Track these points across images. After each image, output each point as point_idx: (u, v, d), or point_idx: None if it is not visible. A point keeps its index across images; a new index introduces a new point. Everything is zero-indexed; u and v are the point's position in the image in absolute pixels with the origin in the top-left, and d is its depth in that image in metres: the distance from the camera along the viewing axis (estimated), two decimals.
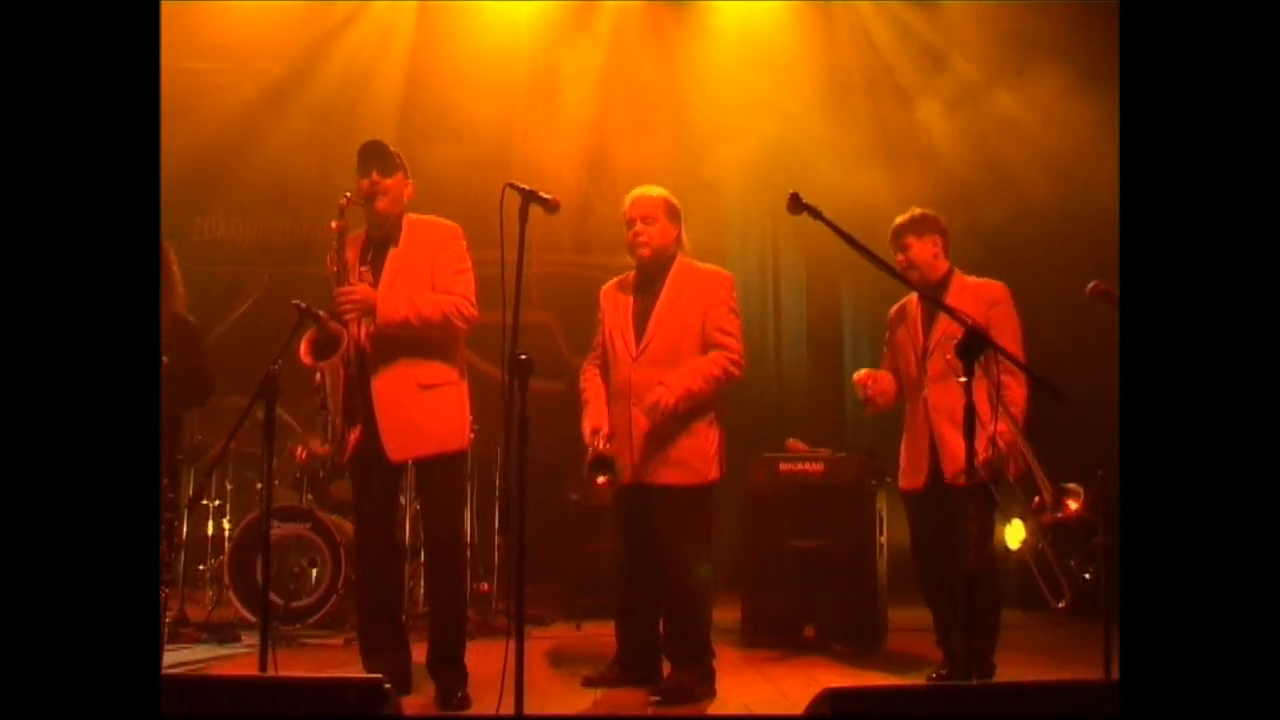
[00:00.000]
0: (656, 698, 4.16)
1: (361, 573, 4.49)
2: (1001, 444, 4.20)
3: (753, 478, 5.63)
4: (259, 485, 6.07)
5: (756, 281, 8.25)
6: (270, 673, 3.46)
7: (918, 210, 4.62)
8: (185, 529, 6.03)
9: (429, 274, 4.23)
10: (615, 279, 4.61)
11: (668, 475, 4.25)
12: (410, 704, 4.16)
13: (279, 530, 5.71)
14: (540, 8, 7.48)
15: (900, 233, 4.57)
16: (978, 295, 4.49)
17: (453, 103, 7.30)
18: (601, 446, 4.25)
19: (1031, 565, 4.17)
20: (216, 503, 6.22)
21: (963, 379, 3.22)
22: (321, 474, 5.98)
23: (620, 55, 7.64)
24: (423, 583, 5.75)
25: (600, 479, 4.20)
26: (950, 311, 3.30)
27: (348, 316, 4.13)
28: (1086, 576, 3.97)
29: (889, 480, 5.68)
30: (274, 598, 5.63)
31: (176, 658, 5.07)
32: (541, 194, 3.63)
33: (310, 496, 5.91)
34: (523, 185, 3.61)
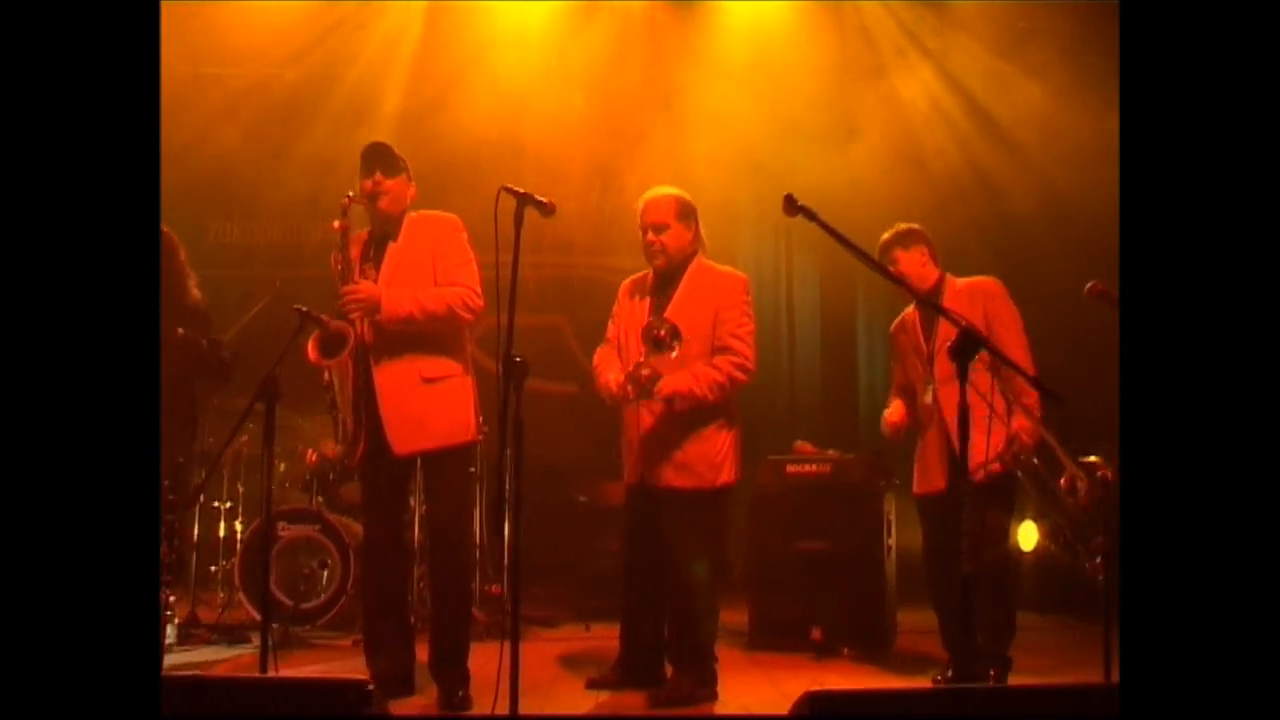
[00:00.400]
0: (656, 701, 4.15)
1: (368, 572, 4.52)
2: (1026, 438, 4.25)
3: (759, 479, 5.61)
4: (270, 487, 6.11)
5: (769, 282, 8.24)
6: (259, 674, 3.48)
7: (902, 225, 4.68)
8: (197, 530, 6.09)
9: (430, 267, 4.25)
10: (634, 277, 4.59)
11: (671, 478, 4.23)
12: (413, 705, 4.19)
13: (289, 532, 5.75)
14: (550, 9, 7.49)
15: (887, 248, 4.61)
16: (972, 295, 4.53)
17: (462, 105, 7.30)
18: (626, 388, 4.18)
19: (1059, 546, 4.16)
20: (228, 505, 6.26)
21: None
22: (331, 476, 6.01)
23: (630, 56, 7.64)
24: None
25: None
26: (945, 313, 3.28)
27: (353, 315, 4.16)
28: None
29: (897, 482, 5.67)
30: (283, 599, 5.68)
31: (184, 659, 5.10)
32: (537, 197, 3.63)
33: (320, 499, 5.94)
34: (518, 188, 3.61)
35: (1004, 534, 4.43)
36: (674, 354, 4.06)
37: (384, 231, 4.33)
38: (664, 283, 4.39)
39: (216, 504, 6.19)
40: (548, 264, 7.95)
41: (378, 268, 4.28)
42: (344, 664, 5.01)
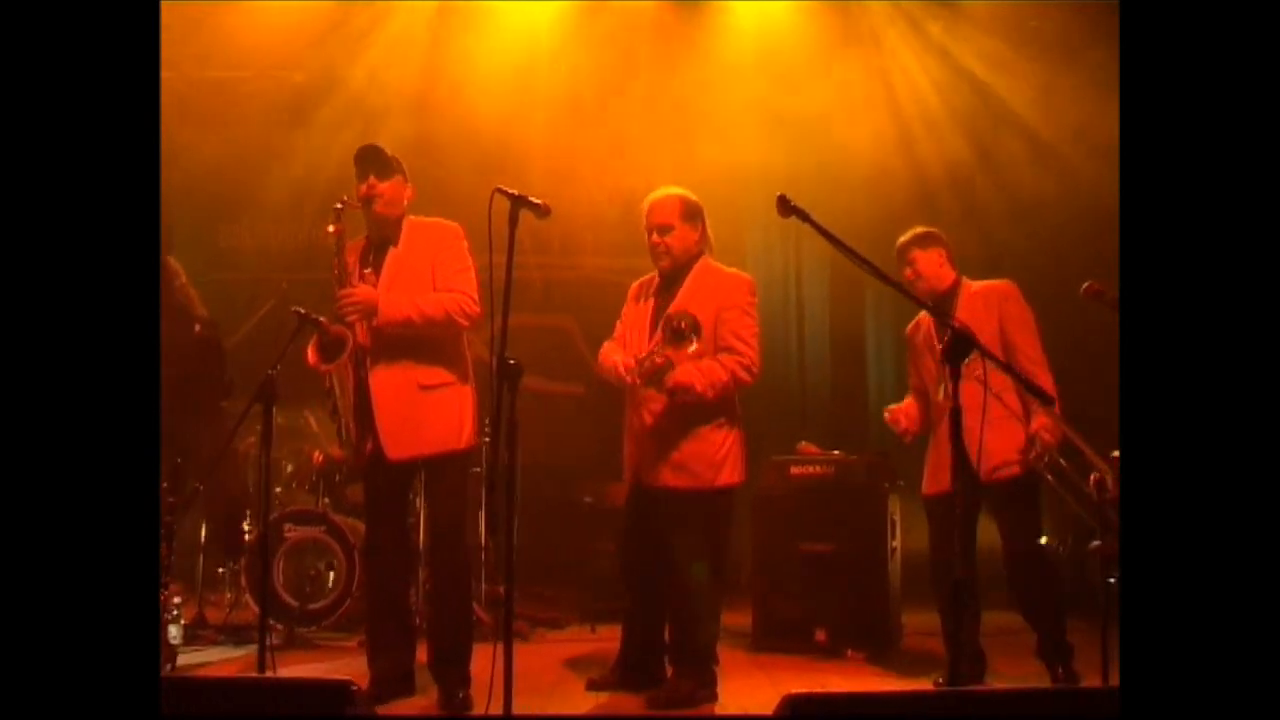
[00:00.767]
0: (655, 702, 4.15)
1: (370, 574, 4.54)
2: (1047, 436, 4.24)
3: (763, 481, 5.61)
4: (277, 489, 6.16)
5: (779, 283, 8.22)
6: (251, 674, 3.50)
7: (920, 228, 4.72)
8: (204, 531, 6.13)
9: (430, 274, 4.27)
10: (642, 279, 4.59)
11: (668, 478, 4.23)
12: (413, 705, 4.21)
13: (294, 534, 5.77)
14: (560, 11, 7.49)
15: (906, 249, 4.66)
16: (988, 297, 4.55)
17: (470, 108, 7.31)
18: (634, 369, 4.18)
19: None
20: (231, 508, 6.29)
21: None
22: (338, 478, 6.04)
23: (638, 57, 7.64)
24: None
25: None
26: (936, 312, 3.27)
27: (350, 318, 4.18)
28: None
29: (901, 483, 5.66)
30: (289, 600, 5.71)
31: (188, 660, 5.13)
32: (531, 198, 3.64)
33: (327, 500, 5.96)
34: (511, 190, 3.62)
35: (1035, 532, 4.42)
36: (692, 348, 4.04)
37: (383, 236, 4.34)
38: (669, 283, 4.39)
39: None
40: (554, 265, 7.96)
41: (378, 272, 4.30)
42: (348, 664, 5.02)
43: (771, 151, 7.59)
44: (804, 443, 5.80)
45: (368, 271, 4.33)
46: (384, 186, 4.29)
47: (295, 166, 7.51)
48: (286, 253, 7.90)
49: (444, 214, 4.41)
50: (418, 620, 4.88)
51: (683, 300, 4.28)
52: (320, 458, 6.01)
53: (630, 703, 4.29)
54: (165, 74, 7.40)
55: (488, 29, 7.52)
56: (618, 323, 4.57)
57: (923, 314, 4.73)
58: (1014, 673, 4.73)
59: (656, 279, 4.46)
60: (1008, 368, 3.36)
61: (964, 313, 4.45)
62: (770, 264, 8.22)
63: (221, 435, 5.17)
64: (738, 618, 5.87)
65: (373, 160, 4.31)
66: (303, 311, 4.06)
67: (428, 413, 4.23)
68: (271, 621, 5.59)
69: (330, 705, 2.35)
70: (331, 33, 7.59)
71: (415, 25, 7.61)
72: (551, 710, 4.21)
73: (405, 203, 4.38)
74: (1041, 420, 4.25)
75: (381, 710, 4.10)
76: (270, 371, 3.87)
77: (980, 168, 7.37)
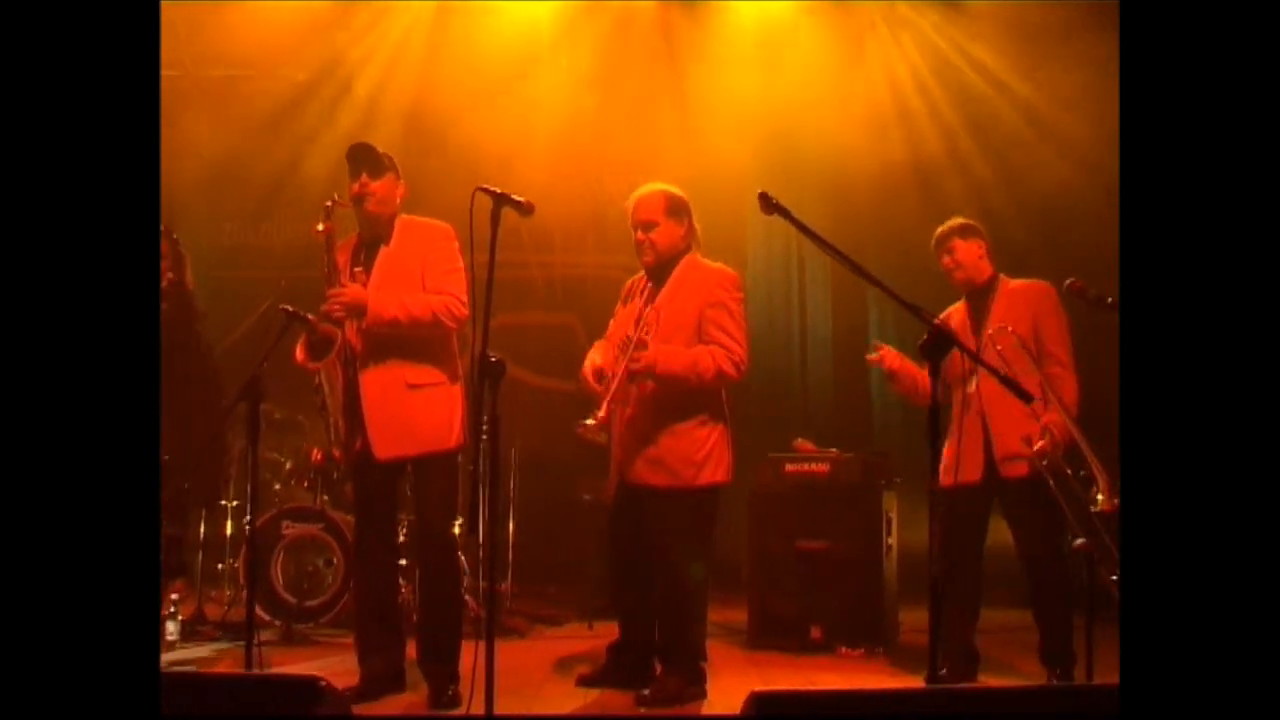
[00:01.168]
0: (643, 701, 4.15)
1: (359, 572, 4.54)
2: (1057, 433, 4.23)
3: (758, 478, 5.61)
4: (277, 486, 6.19)
5: (781, 280, 8.22)
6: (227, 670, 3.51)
7: (960, 219, 4.75)
8: (203, 529, 6.16)
9: (420, 274, 4.27)
10: (633, 277, 4.58)
11: (649, 476, 4.22)
12: (402, 702, 4.22)
13: (292, 530, 5.80)
14: (561, 10, 7.51)
15: (946, 237, 4.68)
16: (1026, 295, 4.57)
17: (472, 106, 7.34)
18: (593, 382, 4.22)
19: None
20: (235, 503, 6.32)
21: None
22: (336, 475, 6.05)
23: (639, 54, 7.66)
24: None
25: (585, 422, 4.07)
26: (918, 311, 3.25)
27: (338, 317, 4.19)
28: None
29: (898, 480, 5.65)
30: (287, 597, 5.74)
31: (184, 656, 5.17)
32: (514, 197, 3.63)
33: (325, 497, 5.99)
34: (494, 188, 3.61)
35: (1050, 535, 4.38)
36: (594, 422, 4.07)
37: (374, 234, 4.34)
38: (655, 281, 4.38)
39: (223, 502, 6.25)
40: (557, 263, 7.98)
41: (368, 271, 4.30)
42: (343, 660, 5.03)
43: (773, 148, 7.61)
44: (800, 440, 5.79)
45: (358, 270, 4.34)
46: (376, 185, 4.29)
47: (298, 164, 7.55)
48: (289, 250, 7.92)
49: (446, 213, 4.40)
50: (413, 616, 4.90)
51: (665, 297, 4.27)
52: (319, 455, 6.03)
53: (619, 700, 4.29)
54: (170, 73, 7.53)
55: (489, 27, 7.57)
56: (611, 322, 4.57)
57: (954, 306, 4.74)
58: (1015, 672, 4.71)
59: (643, 277, 4.45)
60: (989, 367, 3.34)
61: (999, 309, 4.50)
62: (772, 261, 8.22)
63: (208, 433, 5.19)
64: (734, 615, 5.88)
65: (365, 158, 4.32)
66: (290, 309, 4.07)
67: (417, 412, 4.23)
68: (269, 618, 5.67)
69: (299, 701, 2.36)
70: (334, 32, 7.66)
71: (417, 24, 7.66)
72: (539, 706, 4.22)
73: (397, 201, 4.38)
74: (1053, 416, 4.24)
75: (370, 707, 4.12)
76: (257, 370, 3.88)
77: (983, 163, 7.33)
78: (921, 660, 4.98)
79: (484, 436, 6.18)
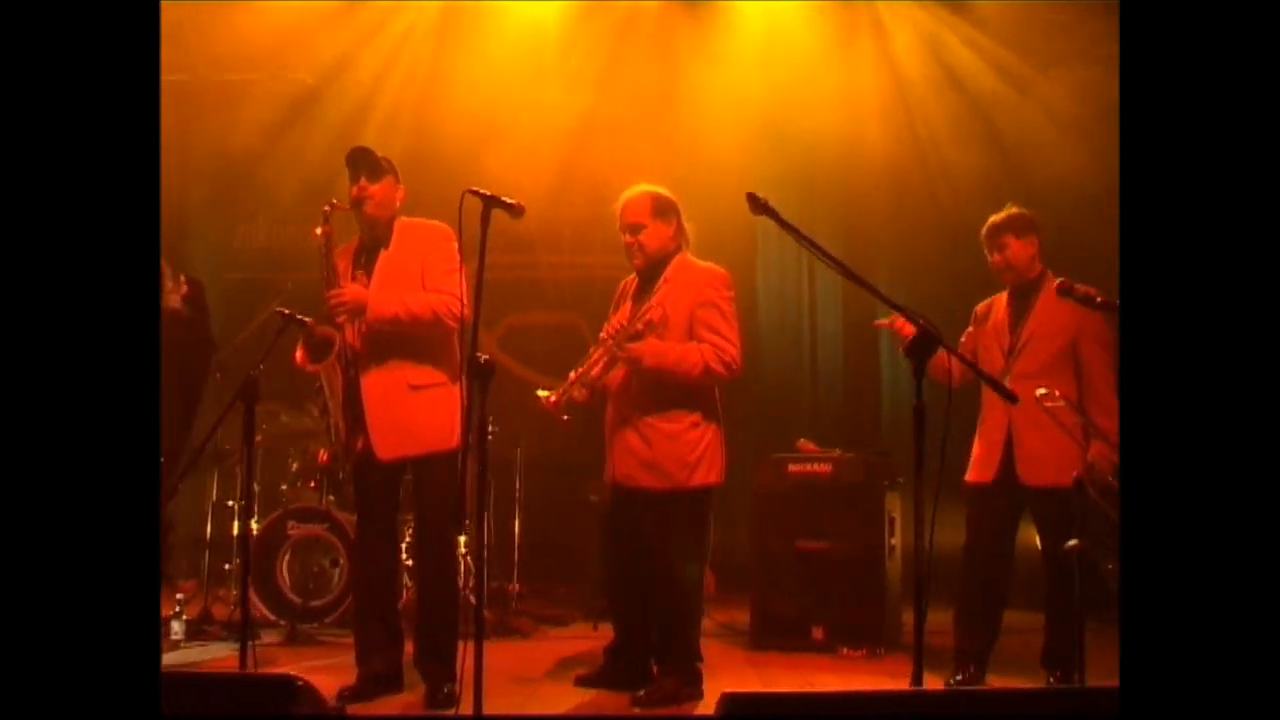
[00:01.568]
0: (640, 702, 4.16)
1: (359, 572, 4.58)
2: (1105, 467, 4.18)
3: (761, 479, 5.61)
4: (284, 486, 6.23)
5: (792, 279, 8.21)
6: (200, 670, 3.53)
7: (1014, 209, 4.57)
8: (210, 528, 6.21)
9: (419, 274, 4.29)
10: (626, 279, 4.59)
11: (641, 478, 4.22)
12: (400, 701, 4.24)
13: (298, 531, 5.83)
14: (562, 9, 7.53)
15: (999, 231, 4.53)
16: (1073, 306, 4.42)
17: (480, 107, 7.36)
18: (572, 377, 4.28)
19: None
20: (242, 503, 6.36)
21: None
22: (341, 476, 6.07)
23: (644, 55, 7.66)
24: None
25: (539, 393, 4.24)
26: (902, 310, 3.24)
27: (339, 319, 4.23)
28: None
29: (900, 480, 5.63)
30: (292, 596, 5.78)
31: (185, 657, 5.21)
32: (503, 198, 3.63)
33: (331, 498, 6.02)
34: (484, 191, 3.62)
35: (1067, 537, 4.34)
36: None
37: (374, 238, 4.38)
38: (646, 283, 4.39)
39: (230, 502, 6.29)
40: (564, 264, 7.99)
41: (369, 274, 4.34)
42: (345, 660, 5.06)
43: (780, 147, 7.61)
44: (803, 440, 5.78)
45: (359, 273, 4.38)
46: (375, 188, 4.33)
47: (306, 167, 7.57)
48: (297, 252, 7.96)
49: (451, 216, 4.41)
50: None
51: (657, 300, 4.27)
52: (325, 456, 6.06)
53: (615, 701, 4.30)
54: (180, 76, 7.60)
55: (496, 28, 7.58)
56: (605, 325, 4.58)
57: (995, 301, 4.63)
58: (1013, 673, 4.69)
59: (635, 279, 4.46)
60: (978, 371, 3.33)
61: (1043, 308, 4.39)
62: (783, 262, 8.21)
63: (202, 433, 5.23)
64: (738, 615, 5.87)
65: (364, 162, 4.35)
66: (286, 312, 4.10)
67: (417, 413, 4.26)
68: (274, 618, 5.71)
69: (276, 700, 2.38)
70: (344, 35, 7.68)
71: (422, 26, 7.68)
72: (535, 706, 4.24)
73: (396, 204, 4.42)
74: (1099, 449, 4.19)
75: (366, 707, 4.15)
76: (253, 371, 3.91)
77: (988, 162, 7.30)
78: (930, 662, 5.00)
79: (489, 437, 6.26)
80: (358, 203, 4.32)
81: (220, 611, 6.00)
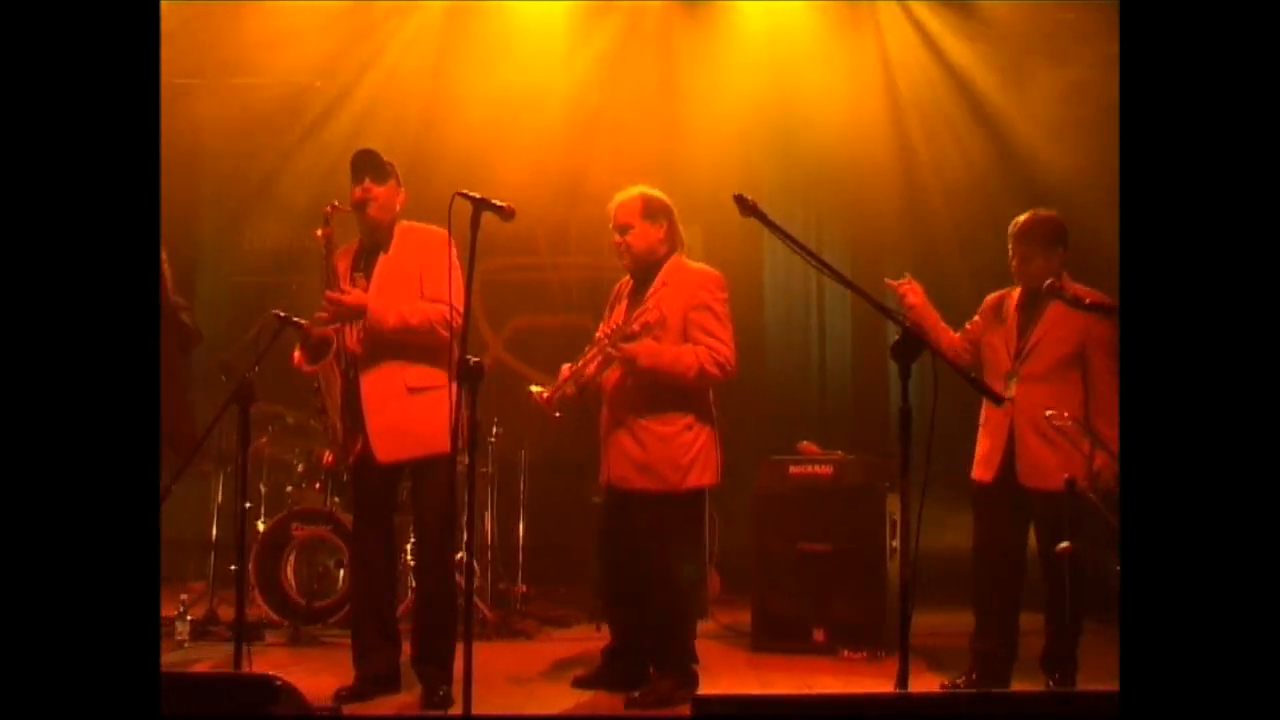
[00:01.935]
0: (634, 703, 4.17)
1: (357, 573, 4.60)
2: (1109, 476, 4.16)
3: (762, 480, 5.61)
4: (289, 488, 6.26)
5: (800, 279, 8.18)
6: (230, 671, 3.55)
7: (1043, 214, 4.48)
8: (215, 530, 6.25)
9: (418, 279, 4.32)
10: (620, 281, 4.61)
11: (635, 480, 4.23)
12: (395, 703, 4.27)
13: (302, 532, 5.86)
14: (568, 9, 7.53)
15: (1025, 240, 4.44)
16: (1082, 314, 4.34)
17: (484, 108, 7.38)
18: (562, 374, 4.32)
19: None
20: (248, 505, 6.39)
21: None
22: (346, 477, 6.11)
23: (654, 58, 7.67)
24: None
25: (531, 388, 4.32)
26: (886, 310, 3.25)
27: (338, 322, 4.26)
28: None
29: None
30: (297, 598, 5.80)
31: (185, 657, 5.25)
32: (494, 201, 3.65)
33: (336, 499, 6.04)
34: (473, 194, 3.63)
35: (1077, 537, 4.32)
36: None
37: (374, 241, 4.41)
38: (639, 286, 4.40)
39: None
40: (572, 265, 7.99)
41: (368, 277, 4.37)
42: (345, 661, 5.09)
43: (787, 149, 7.62)
44: (804, 442, 5.78)
45: (359, 275, 4.41)
46: (379, 191, 4.36)
47: (315, 170, 7.61)
48: (305, 255, 8.00)
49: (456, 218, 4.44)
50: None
51: (652, 302, 4.28)
52: (330, 458, 6.09)
53: (611, 702, 4.31)
54: (190, 81, 7.66)
55: (502, 30, 7.59)
56: (600, 326, 4.59)
57: (1008, 295, 4.58)
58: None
59: (629, 281, 4.47)
60: (954, 364, 3.33)
61: (1054, 313, 4.33)
62: (790, 261, 8.15)
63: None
64: (741, 617, 5.87)
65: (369, 164, 4.39)
66: (282, 314, 4.14)
67: (416, 415, 4.27)
68: (280, 619, 5.74)
69: (255, 700, 2.40)
70: (352, 40, 7.71)
71: (430, 29, 7.70)
72: (531, 707, 4.26)
73: (398, 208, 4.46)
74: (1104, 460, 4.16)
75: (363, 707, 4.18)
76: (247, 373, 3.94)
77: (1005, 163, 7.27)
78: (927, 664, 5.00)
79: (492, 439, 6.27)
80: (360, 205, 4.35)
81: (226, 613, 6.02)
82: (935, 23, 7.38)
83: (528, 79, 7.53)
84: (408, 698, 4.29)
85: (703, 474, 4.24)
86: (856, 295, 3.28)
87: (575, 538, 6.86)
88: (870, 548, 5.40)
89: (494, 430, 6.43)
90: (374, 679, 4.32)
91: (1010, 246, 4.49)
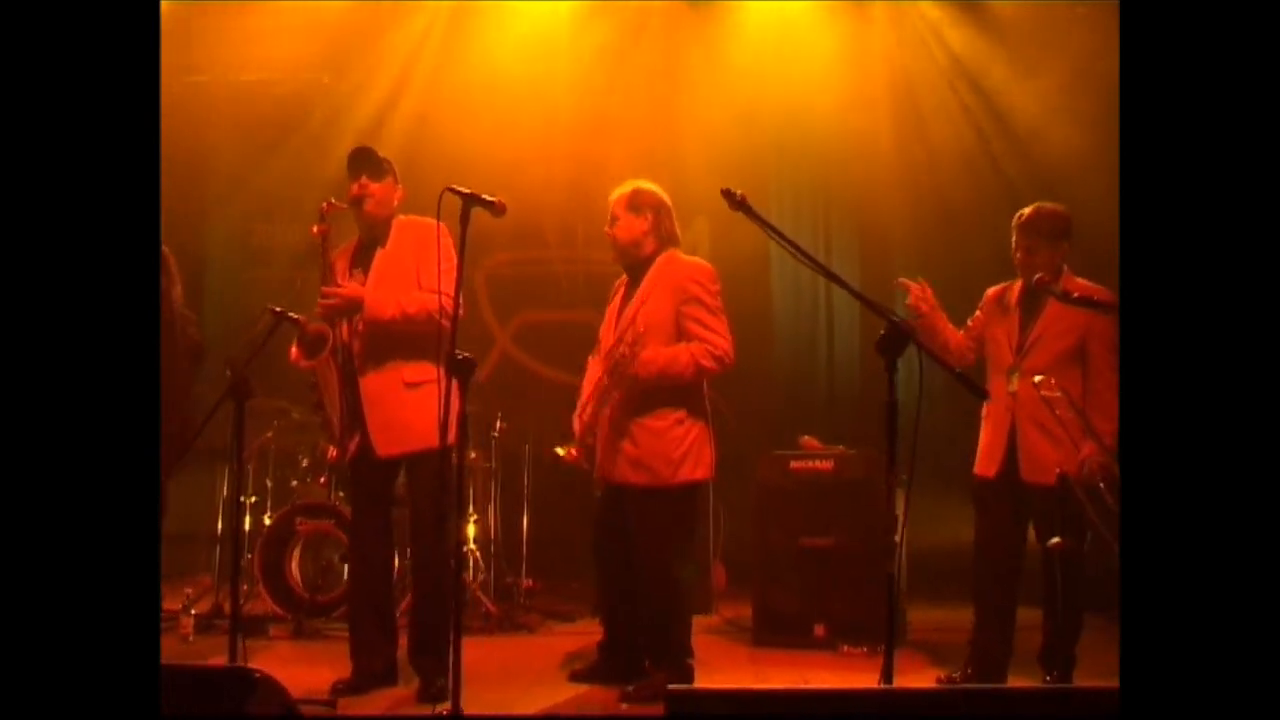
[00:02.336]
0: (628, 697, 4.18)
1: (354, 567, 4.63)
2: (1094, 467, 4.13)
3: (763, 475, 5.59)
4: (294, 482, 6.29)
5: (808, 276, 8.14)
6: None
7: (1049, 207, 4.46)
8: (220, 524, 6.30)
9: (415, 272, 4.34)
10: (620, 278, 4.62)
11: (628, 475, 4.24)
12: (392, 696, 4.29)
13: (307, 526, 5.89)
14: (572, 9, 7.54)
15: (1030, 232, 4.41)
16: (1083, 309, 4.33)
17: (491, 105, 7.39)
18: (577, 430, 4.36)
19: None
20: (254, 499, 6.44)
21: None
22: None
23: (661, 54, 7.67)
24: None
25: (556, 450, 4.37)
26: (872, 304, 3.24)
27: (334, 316, 4.28)
28: None
29: (904, 478, 5.57)
30: (301, 592, 5.84)
31: (187, 651, 5.29)
32: (484, 196, 3.66)
33: (340, 494, 6.07)
34: (463, 189, 3.65)
35: (1075, 532, 4.25)
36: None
37: (372, 236, 4.45)
38: (633, 282, 4.41)
39: (242, 499, 6.36)
40: (580, 260, 7.99)
41: (366, 273, 4.40)
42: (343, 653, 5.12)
43: (795, 146, 7.60)
44: (806, 437, 5.76)
45: (357, 271, 4.44)
46: (376, 187, 4.40)
47: (324, 166, 7.63)
48: (313, 251, 8.03)
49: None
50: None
51: (641, 296, 4.29)
52: (334, 453, 6.12)
53: (606, 696, 4.32)
54: (199, 78, 7.71)
55: (508, 26, 7.60)
56: (601, 325, 4.61)
57: (1010, 288, 4.55)
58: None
59: (625, 276, 4.49)
60: (946, 366, 3.32)
61: (1055, 306, 4.29)
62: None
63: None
64: (744, 611, 5.87)
65: (366, 161, 4.43)
66: (278, 310, 4.16)
67: (413, 410, 4.29)
68: (284, 613, 5.77)
69: (233, 693, 2.41)
70: (360, 37, 7.73)
71: (439, 25, 7.72)
72: (527, 701, 4.26)
73: (395, 204, 4.49)
74: (1091, 449, 4.14)
75: (359, 700, 4.20)
76: (242, 368, 3.97)
77: (1008, 160, 7.24)
78: (930, 660, 4.99)
79: (495, 435, 6.28)
80: (358, 201, 4.38)
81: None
82: (939, 14, 7.35)
83: (536, 75, 7.53)
84: (404, 691, 4.31)
85: (695, 468, 4.23)
86: (869, 292, 3.31)
87: (582, 532, 6.88)
88: (871, 543, 5.37)
89: (498, 424, 6.45)
90: (371, 672, 4.35)
91: (1014, 238, 4.46)
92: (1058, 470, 3.89)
